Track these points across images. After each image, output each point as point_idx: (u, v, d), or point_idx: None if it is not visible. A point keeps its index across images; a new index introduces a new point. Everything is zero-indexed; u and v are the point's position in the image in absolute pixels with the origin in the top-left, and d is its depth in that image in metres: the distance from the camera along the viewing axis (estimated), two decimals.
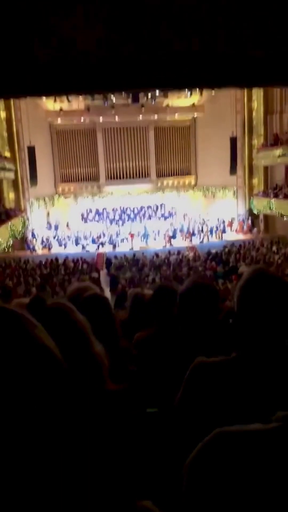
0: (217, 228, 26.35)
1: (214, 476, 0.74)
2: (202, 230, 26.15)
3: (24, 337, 0.72)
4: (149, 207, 30.73)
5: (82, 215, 30.03)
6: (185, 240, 25.56)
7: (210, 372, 1.53)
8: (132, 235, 25.53)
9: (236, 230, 26.82)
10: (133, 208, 30.20)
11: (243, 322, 1.46)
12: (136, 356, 2.51)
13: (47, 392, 0.72)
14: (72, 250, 24.57)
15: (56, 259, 22.09)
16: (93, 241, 25.42)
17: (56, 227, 27.99)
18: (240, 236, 25.99)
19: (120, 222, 28.48)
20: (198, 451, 0.79)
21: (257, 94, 25.31)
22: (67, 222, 28.62)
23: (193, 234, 26.07)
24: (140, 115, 29.42)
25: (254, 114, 26.27)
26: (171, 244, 24.95)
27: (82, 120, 29.56)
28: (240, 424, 0.79)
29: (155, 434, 1.86)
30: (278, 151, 23.13)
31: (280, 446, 0.72)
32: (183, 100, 29.03)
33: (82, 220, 29.68)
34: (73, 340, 1.42)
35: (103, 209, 30.16)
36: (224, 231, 26.27)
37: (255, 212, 26.42)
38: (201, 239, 25.63)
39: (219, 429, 0.79)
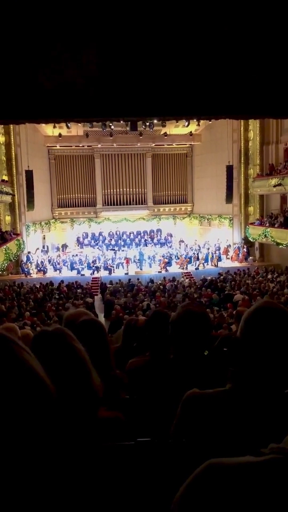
0: (212, 255, 26.42)
1: (204, 510, 0.72)
2: (197, 257, 26.21)
3: (13, 360, 0.73)
4: (145, 232, 30.90)
5: (78, 239, 30.12)
6: (181, 266, 25.57)
7: (202, 404, 1.51)
8: (127, 260, 25.55)
9: (231, 258, 26.88)
10: (129, 234, 30.36)
11: (244, 352, 1.45)
12: (129, 384, 2.47)
13: (32, 414, 0.72)
14: (67, 274, 24.50)
15: (51, 283, 22.03)
16: (89, 266, 25.37)
17: (53, 251, 27.99)
18: (236, 264, 26.05)
19: (116, 247, 28.51)
20: (189, 484, 0.77)
21: (253, 124, 25.78)
22: (62, 246, 28.66)
23: (189, 260, 26.11)
24: (138, 143, 29.86)
25: (250, 144, 26.71)
26: (166, 270, 24.95)
27: (80, 146, 29.94)
28: (232, 456, 0.78)
29: (147, 465, 1.83)
30: (273, 181, 23.42)
31: (273, 479, 0.71)
32: (180, 129, 29.51)
33: (78, 244, 29.75)
34: (72, 368, 1.41)
35: (99, 234, 30.28)
36: (219, 258, 26.32)
37: (250, 240, 26.57)
38: (196, 266, 25.66)
39: (211, 461, 0.78)
